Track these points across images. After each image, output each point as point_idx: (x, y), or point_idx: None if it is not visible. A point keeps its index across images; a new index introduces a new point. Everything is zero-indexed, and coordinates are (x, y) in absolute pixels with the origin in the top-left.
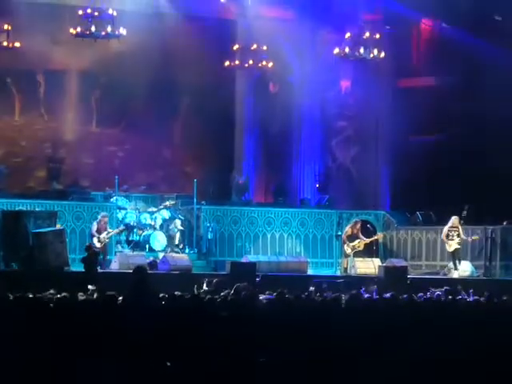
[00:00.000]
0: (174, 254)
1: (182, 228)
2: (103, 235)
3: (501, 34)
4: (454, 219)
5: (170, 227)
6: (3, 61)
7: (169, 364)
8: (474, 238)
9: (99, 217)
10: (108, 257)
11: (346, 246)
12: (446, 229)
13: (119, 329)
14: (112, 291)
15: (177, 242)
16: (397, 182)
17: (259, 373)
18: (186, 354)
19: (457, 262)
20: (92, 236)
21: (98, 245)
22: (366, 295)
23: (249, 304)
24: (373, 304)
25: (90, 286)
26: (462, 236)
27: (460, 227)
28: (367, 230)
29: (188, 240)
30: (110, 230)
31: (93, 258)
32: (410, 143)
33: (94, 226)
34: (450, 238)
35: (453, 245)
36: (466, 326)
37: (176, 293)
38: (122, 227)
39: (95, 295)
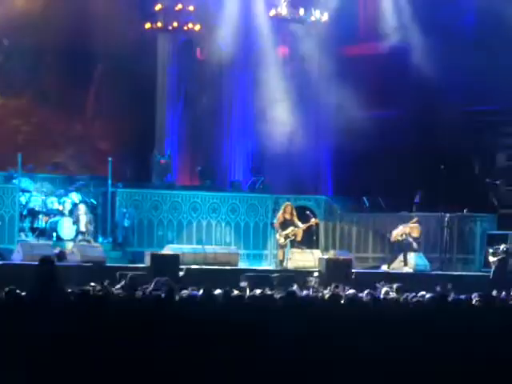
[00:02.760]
0: (87, 243)
1: (86, 214)
2: None
3: None
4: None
5: (75, 213)
6: None
7: None
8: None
9: None
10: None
11: (278, 234)
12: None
13: (20, 331)
14: (13, 286)
15: (83, 229)
16: (340, 163)
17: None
18: (99, 358)
19: (407, 254)
20: None
21: None
22: (304, 292)
23: (168, 301)
24: (311, 303)
25: None
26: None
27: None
28: (307, 217)
29: (101, 228)
30: None
31: None
32: (356, 119)
33: None
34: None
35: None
36: (413, 325)
37: (88, 287)
38: None
39: None
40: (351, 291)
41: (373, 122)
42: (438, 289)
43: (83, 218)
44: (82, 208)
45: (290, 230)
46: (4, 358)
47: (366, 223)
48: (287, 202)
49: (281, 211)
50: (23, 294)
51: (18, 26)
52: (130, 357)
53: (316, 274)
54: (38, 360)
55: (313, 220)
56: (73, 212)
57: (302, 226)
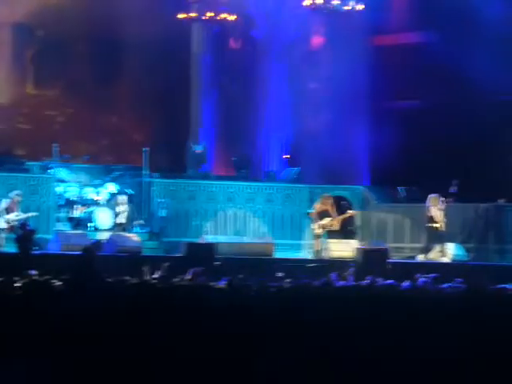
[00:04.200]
0: (123, 234)
1: (127, 204)
2: (11, 216)
3: None
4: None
5: (114, 203)
6: None
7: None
8: None
9: (12, 194)
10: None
11: (314, 224)
12: (432, 209)
13: (55, 321)
14: (49, 275)
15: (123, 221)
16: (377, 153)
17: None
18: (135, 346)
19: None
20: None
21: (3, 225)
22: (341, 282)
23: (204, 292)
24: (348, 292)
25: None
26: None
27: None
28: (342, 207)
29: (138, 218)
30: (19, 213)
31: (28, 237)
32: (392, 109)
33: (4, 204)
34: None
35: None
36: (451, 319)
37: (124, 277)
38: (33, 213)
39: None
40: (388, 281)
41: (409, 111)
42: (474, 279)
43: (123, 209)
44: (122, 199)
45: (327, 220)
46: (42, 348)
47: (402, 213)
48: (327, 194)
49: (320, 202)
50: (60, 283)
51: (51, 17)
52: (166, 343)
53: (351, 268)
54: (76, 350)
55: (350, 211)
56: (109, 202)
57: (339, 217)
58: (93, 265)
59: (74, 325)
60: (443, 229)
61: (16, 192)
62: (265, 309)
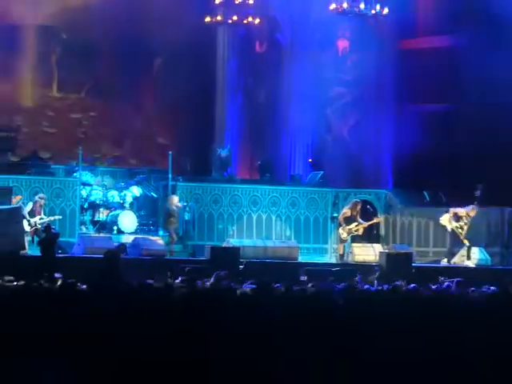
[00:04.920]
0: (148, 237)
1: (180, 206)
2: (36, 219)
3: None
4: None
5: (167, 206)
6: None
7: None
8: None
9: (36, 197)
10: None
11: (341, 229)
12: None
13: (81, 323)
14: (73, 279)
15: (175, 225)
16: (401, 156)
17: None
18: (159, 349)
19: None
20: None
21: (27, 228)
22: (365, 286)
23: (229, 295)
24: (372, 296)
25: (58, 275)
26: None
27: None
28: (367, 211)
29: (162, 221)
30: (43, 216)
31: (51, 240)
32: (416, 113)
33: (29, 207)
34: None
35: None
36: (477, 323)
37: (149, 280)
38: (57, 216)
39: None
40: (412, 285)
41: (434, 115)
42: (500, 283)
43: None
44: (175, 200)
45: (353, 225)
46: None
47: (426, 217)
48: (357, 200)
49: (349, 207)
50: (84, 286)
51: (75, 20)
52: (192, 347)
53: (375, 272)
54: (97, 351)
55: (376, 219)
56: (133, 205)
57: (365, 223)
58: (116, 268)
59: (96, 327)
60: (468, 233)
61: (39, 195)
62: (289, 312)
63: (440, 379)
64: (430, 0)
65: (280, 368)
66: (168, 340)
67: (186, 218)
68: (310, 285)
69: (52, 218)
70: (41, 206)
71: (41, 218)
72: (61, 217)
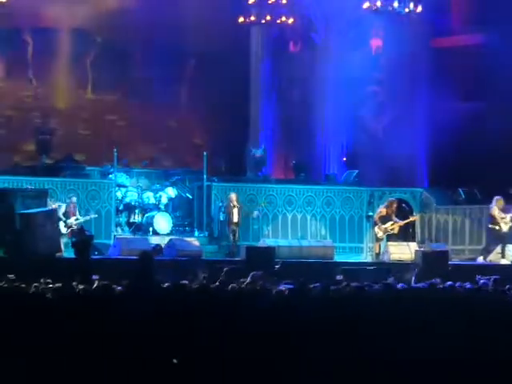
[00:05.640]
0: (183, 238)
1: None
2: (71, 220)
3: None
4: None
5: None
6: None
7: (175, 361)
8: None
9: (69, 199)
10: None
11: (377, 228)
12: (495, 209)
13: (116, 324)
14: (109, 281)
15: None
16: (436, 155)
17: (273, 372)
18: (193, 350)
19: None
20: (58, 219)
21: (63, 230)
22: (401, 284)
23: (265, 295)
24: (409, 294)
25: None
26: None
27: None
28: (402, 210)
29: (197, 222)
30: (79, 216)
31: (86, 242)
32: (451, 111)
33: (62, 209)
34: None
35: (503, 227)
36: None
37: (183, 281)
38: (92, 214)
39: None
40: (449, 283)
41: (468, 113)
42: None
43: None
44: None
45: (389, 224)
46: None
47: (461, 215)
48: (393, 199)
49: (384, 206)
50: (119, 288)
51: (110, 23)
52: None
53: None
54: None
55: (411, 217)
56: (169, 206)
57: (400, 221)
58: (151, 270)
59: (131, 328)
60: (505, 230)
61: (70, 195)
62: (325, 311)
63: (477, 376)
64: None
65: (315, 367)
66: (203, 340)
67: (221, 218)
68: (344, 283)
69: (88, 218)
70: (74, 206)
71: (76, 219)
72: (96, 215)
